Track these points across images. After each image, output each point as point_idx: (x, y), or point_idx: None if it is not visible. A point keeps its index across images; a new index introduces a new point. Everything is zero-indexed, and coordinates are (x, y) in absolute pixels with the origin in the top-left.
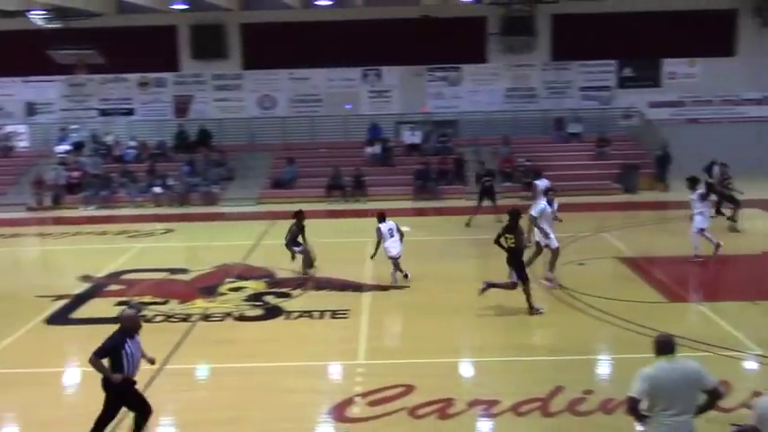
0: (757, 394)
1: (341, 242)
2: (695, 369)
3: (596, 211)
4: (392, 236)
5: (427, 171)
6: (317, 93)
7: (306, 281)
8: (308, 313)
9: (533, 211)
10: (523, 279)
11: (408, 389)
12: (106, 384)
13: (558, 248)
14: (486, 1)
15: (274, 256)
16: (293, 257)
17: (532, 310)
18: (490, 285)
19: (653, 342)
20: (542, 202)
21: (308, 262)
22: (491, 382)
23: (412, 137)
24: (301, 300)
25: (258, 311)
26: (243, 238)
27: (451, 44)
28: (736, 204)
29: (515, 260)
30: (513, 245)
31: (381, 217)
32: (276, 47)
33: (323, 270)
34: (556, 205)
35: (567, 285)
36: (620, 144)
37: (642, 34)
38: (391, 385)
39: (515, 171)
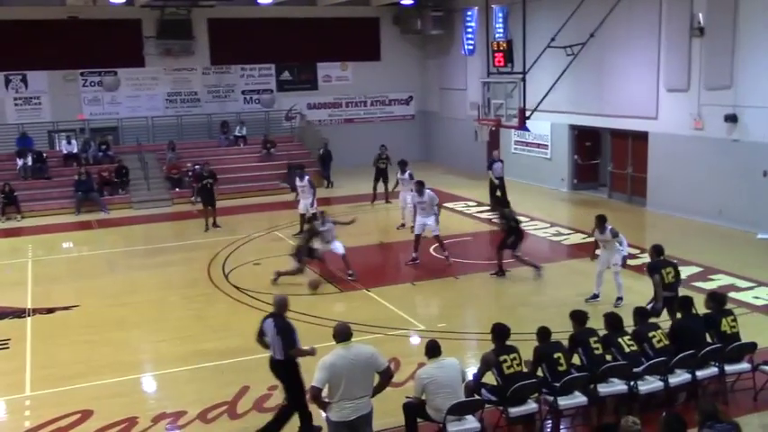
0: (421, 365)
1: None
2: (369, 352)
3: (267, 210)
4: None
5: (88, 181)
6: None
7: None
8: None
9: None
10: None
11: (85, 414)
12: (286, 369)
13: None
14: (138, 3)
15: None
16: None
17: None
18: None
19: (333, 331)
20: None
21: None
22: (175, 393)
23: (68, 146)
24: None
25: None
26: None
27: (105, 47)
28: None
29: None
30: None
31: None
32: None
33: None
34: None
35: (244, 286)
36: (284, 145)
37: (297, 39)
38: (66, 414)
39: (184, 176)
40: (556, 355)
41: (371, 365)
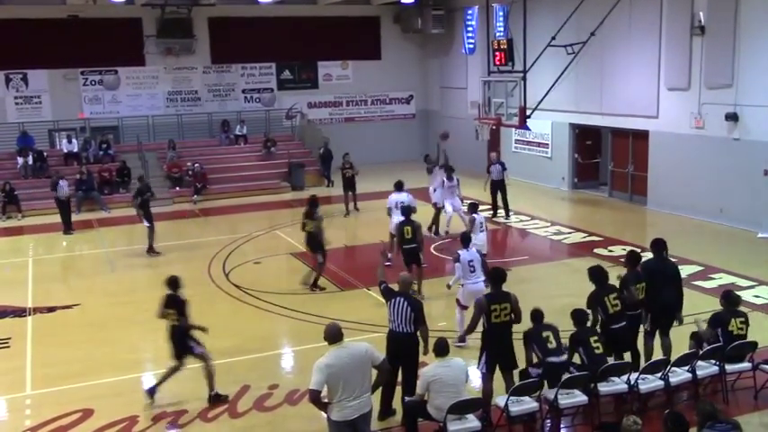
0: (422, 364)
1: None
2: (364, 349)
3: (268, 209)
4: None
5: (89, 180)
6: None
7: None
8: None
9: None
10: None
11: (86, 413)
12: (415, 343)
13: None
14: (139, 2)
15: None
16: None
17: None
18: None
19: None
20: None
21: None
22: (176, 392)
23: (69, 145)
24: None
25: None
26: None
27: (106, 46)
28: None
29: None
30: (310, 230)
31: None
32: None
33: None
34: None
35: (245, 285)
36: (285, 144)
37: (298, 38)
38: (67, 413)
39: (185, 175)
40: (545, 334)
41: (368, 361)
